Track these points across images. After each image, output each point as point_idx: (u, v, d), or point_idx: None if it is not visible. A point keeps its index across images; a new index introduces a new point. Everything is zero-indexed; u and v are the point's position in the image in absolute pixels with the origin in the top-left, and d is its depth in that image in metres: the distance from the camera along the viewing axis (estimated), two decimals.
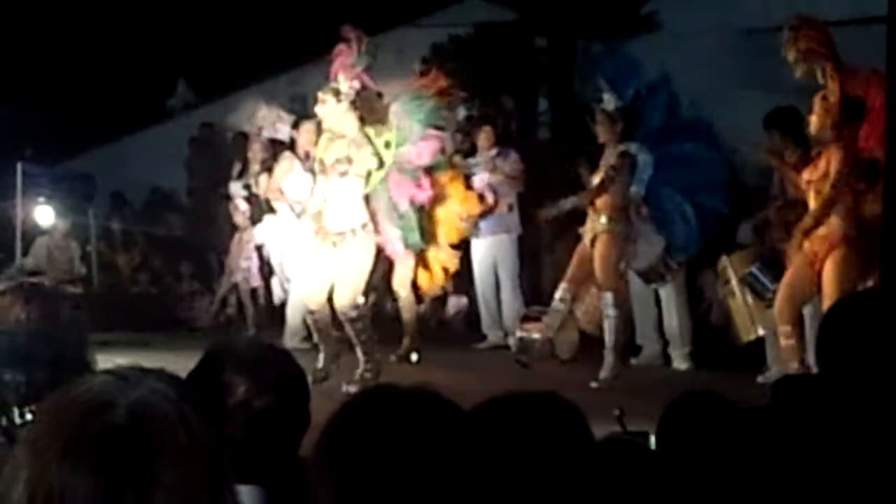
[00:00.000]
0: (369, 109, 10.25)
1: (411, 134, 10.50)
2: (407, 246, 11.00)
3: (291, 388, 3.02)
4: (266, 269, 13.91)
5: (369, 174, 10.13)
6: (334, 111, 10.05)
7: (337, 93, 10.01)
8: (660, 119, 10.51)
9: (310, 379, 7.12)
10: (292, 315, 12.62)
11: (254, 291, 14.23)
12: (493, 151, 12.67)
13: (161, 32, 18.71)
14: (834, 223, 9.05)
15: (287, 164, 12.42)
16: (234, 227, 14.21)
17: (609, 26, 14.94)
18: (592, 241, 10.35)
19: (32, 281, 3.51)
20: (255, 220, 13.83)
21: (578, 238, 10.61)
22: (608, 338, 10.33)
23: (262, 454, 2.83)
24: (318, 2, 17.15)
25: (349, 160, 9.92)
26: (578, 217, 10.76)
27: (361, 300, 10.26)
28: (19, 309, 3.12)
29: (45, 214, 14.66)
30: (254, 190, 13.68)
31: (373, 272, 10.67)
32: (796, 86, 9.87)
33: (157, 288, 16.51)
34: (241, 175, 14.03)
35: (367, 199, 10.24)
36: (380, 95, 10.56)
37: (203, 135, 17.40)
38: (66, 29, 18.51)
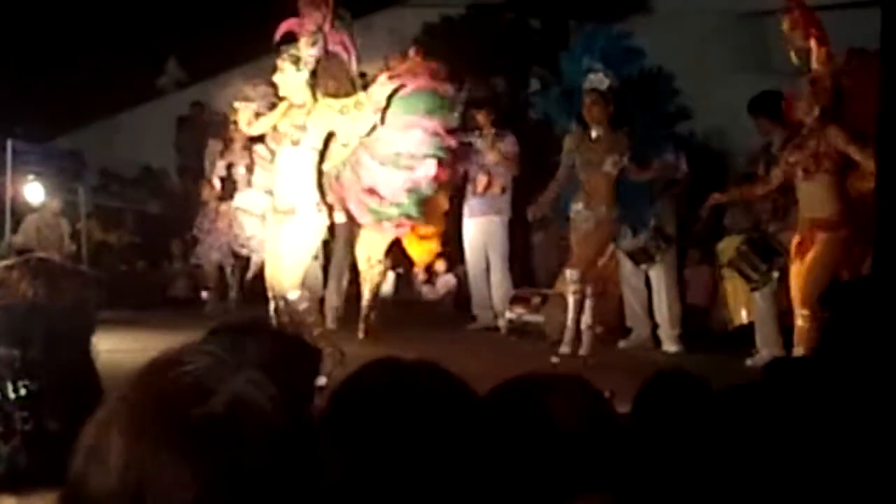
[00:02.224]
0: (333, 82, 9.74)
1: (395, 119, 9.82)
2: (410, 219, 10.67)
3: (300, 371, 3.00)
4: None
5: (324, 150, 9.61)
6: (293, 79, 9.54)
7: (297, 60, 9.53)
8: (649, 100, 10.53)
9: None
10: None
11: (232, 268, 14.27)
12: (492, 131, 12.64)
13: (152, 10, 18.65)
14: (820, 207, 9.06)
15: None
16: (205, 205, 14.25)
17: (601, 7, 14.92)
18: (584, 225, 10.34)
19: (40, 256, 3.50)
20: (224, 198, 13.85)
21: (568, 219, 10.58)
22: (569, 314, 10.36)
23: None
24: None
25: (303, 128, 9.44)
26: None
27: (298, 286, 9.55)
28: (26, 285, 3.12)
29: (34, 192, 14.63)
30: (233, 169, 13.72)
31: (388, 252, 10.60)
32: (787, 69, 9.89)
33: (147, 266, 16.50)
34: (222, 154, 14.03)
35: (321, 177, 9.68)
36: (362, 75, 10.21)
37: (193, 113, 17.39)
38: (56, 6, 18.45)
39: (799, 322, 9.08)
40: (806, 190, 9.16)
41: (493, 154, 12.52)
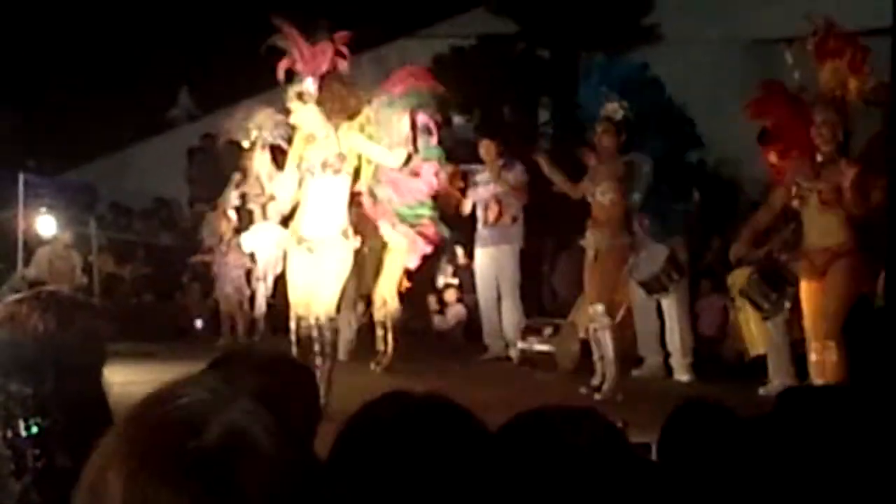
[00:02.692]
0: (339, 102, 9.70)
1: (397, 135, 10.01)
2: (442, 236, 10.77)
3: (300, 396, 2.98)
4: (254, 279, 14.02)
5: (357, 171, 9.74)
6: (305, 114, 9.59)
7: (300, 95, 9.59)
8: (663, 130, 10.52)
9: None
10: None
11: (243, 301, 14.28)
12: (499, 162, 12.63)
13: (163, 42, 18.72)
14: (835, 236, 9.01)
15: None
16: (220, 238, 14.25)
17: (611, 38, 14.95)
18: (596, 255, 10.32)
19: (50, 289, 3.49)
20: (240, 230, 13.88)
21: (581, 250, 10.58)
22: (604, 348, 10.29)
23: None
24: (319, 13, 17.15)
25: (342, 156, 9.51)
26: (579, 229, 10.73)
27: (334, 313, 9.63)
28: (37, 318, 3.11)
29: (46, 224, 14.66)
30: (249, 199, 13.77)
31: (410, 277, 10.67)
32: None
33: (159, 298, 16.51)
34: (237, 184, 14.06)
35: (352, 197, 9.83)
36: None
37: (204, 145, 17.43)
38: (68, 39, 18.52)
39: (814, 357, 9.03)
40: (820, 220, 9.09)
41: (499, 184, 12.53)
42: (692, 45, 15.57)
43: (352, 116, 9.69)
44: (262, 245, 13.66)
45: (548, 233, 13.29)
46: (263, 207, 13.57)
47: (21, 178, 14.27)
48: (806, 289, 9.23)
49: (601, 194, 10.29)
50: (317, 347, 9.41)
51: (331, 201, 9.54)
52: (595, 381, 10.33)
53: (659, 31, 15.97)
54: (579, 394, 10.11)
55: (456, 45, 16.33)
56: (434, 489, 2.02)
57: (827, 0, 10.97)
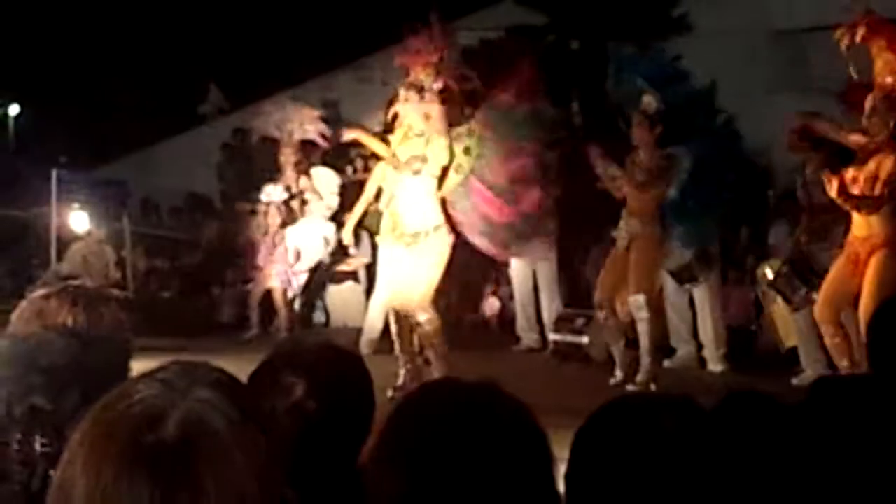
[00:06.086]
0: (449, 110, 10.01)
1: (497, 146, 10.15)
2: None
3: (352, 393, 2.96)
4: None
5: (443, 175, 9.93)
6: (416, 110, 9.83)
7: (420, 89, 9.82)
8: (700, 123, 10.49)
9: (389, 393, 7.02)
10: (370, 321, 12.64)
11: (285, 295, 14.27)
12: None
13: (193, 38, 18.79)
14: (876, 225, 8.95)
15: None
16: (265, 232, 14.23)
17: (640, 29, 14.92)
18: (628, 246, 10.32)
19: (77, 283, 3.50)
20: (285, 224, 13.89)
21: (613, 241, 10.58)
22: (642, 340, 10.25)
23: (316, 459, 2.76)
24: (348, 7, 17.19)
25: (424, 159, 9.73)
26: (612, 221, 10.73)
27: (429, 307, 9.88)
28: (66, 312, 3.12)
29: (79, 220, 14.72)
30: (292, 192, 13.80)
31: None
32: (825, 87, 9.81)
33: (192, 293, 16.55)
34: (275, 179, 14.08)
35: (443, 202, 10.01)
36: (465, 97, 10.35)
37: (235, 140, 17.48)
38: (99, 37, 18.61)
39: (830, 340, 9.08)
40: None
41: None
42: (723, 36, 15.53)
43: (456, 124, 9.98)
44: (308, 240, 13.73)
45: (581, 226, 13.25)
46: (304, 203, 13.65)
47: (54, 174, 14.34)
48: (846, 281, 9.15)
49: (639, 186, 10.27)
50: (414, 341, 9.88)
51: (419, 199, 9.79)
52: (619, 374, 10.34)
53: (687, 21, 15.93)
54: (612, 385, 10.12)
55: (486, 37, 16.31)
56: (483, 476, 2.04)
57: None
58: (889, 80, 9.11)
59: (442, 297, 11.81)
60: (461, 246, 10.15)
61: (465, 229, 10.10)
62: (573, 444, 2.18)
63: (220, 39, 18.57)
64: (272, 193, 14.03)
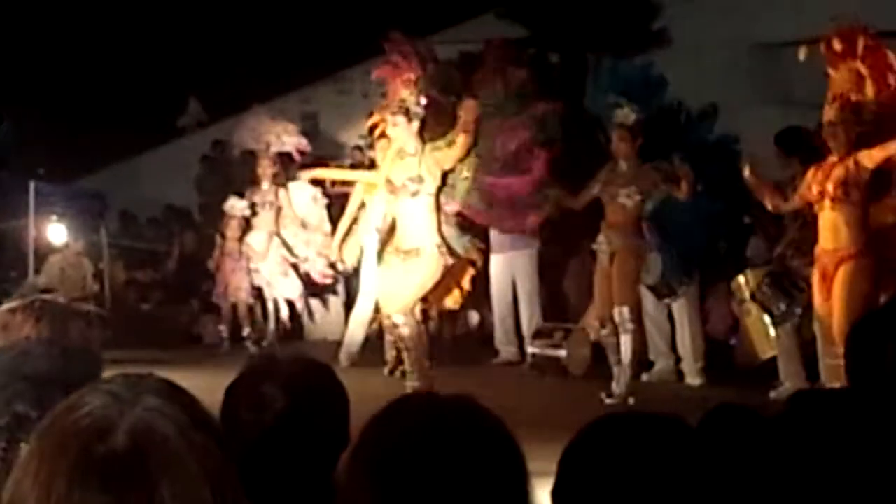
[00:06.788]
0: (438, 125, 10.28)
1: (492, 127, 10.49)
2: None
3: (327, 404, 2.97)
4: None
5: (440, 189, 10.12)
6: (406, 131, 10.05)
7: (407, 112, 10.00)
8: (687, 136, 10.53)
9: None
10: (350, 334, 12.66)
11: (251, 308, 14.31)
12: None
13: (172, 50, 18.75)
14: (844, 237, 8.98)
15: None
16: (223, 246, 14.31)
17: (620, 41, 14.92)
18: (611, 258, 10.30)
19: (44, 298, 3.49)
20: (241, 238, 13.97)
21: (593, 254, 10.57)
22: (624, 352, 10.24)
23: (290, 471, 2.80)
24: (328, 21, 17.17)
25: (420, 179, 9.95)
26: (588, 234, 10.73)
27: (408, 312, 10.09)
28: (30, 327, 3.10)
29: (57, 232, 14.67)
30: (258, 206, 13.82)
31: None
32: (806, 100, 9.85)
33: (170, 305, 16.50)
34: (245, 195, 14.12)
35: (460, 215, 10.34)
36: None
37: (215, 152, 17.45)
38: (77, 47, 18.56)
39: (830, 361, 9.01)
40: (830, 219, 9.07)
41: None
42: (703, 50, 15.57)
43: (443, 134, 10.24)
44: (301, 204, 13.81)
45: (558, 238, 13.23)
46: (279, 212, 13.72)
47: (32, 186, 14.29)
48: (819, 297, 9.19)
49: (626, 197, 10.27)
50: (388, 338, 10.57)
51: (418, 220, 10.06)
52: (616, 390, 10.31)
53: (668, 34, 15.95)
54: (589, 398, 10.10)
55: (465, 50, 16.30)
56: (457, 490, 2.02)
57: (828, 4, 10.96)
58: (851, 93, 9.19)
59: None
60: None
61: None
62: (561, 461, 2.17)
63: (199, 52, 18.52)
64: (235, 206, 14.05)
